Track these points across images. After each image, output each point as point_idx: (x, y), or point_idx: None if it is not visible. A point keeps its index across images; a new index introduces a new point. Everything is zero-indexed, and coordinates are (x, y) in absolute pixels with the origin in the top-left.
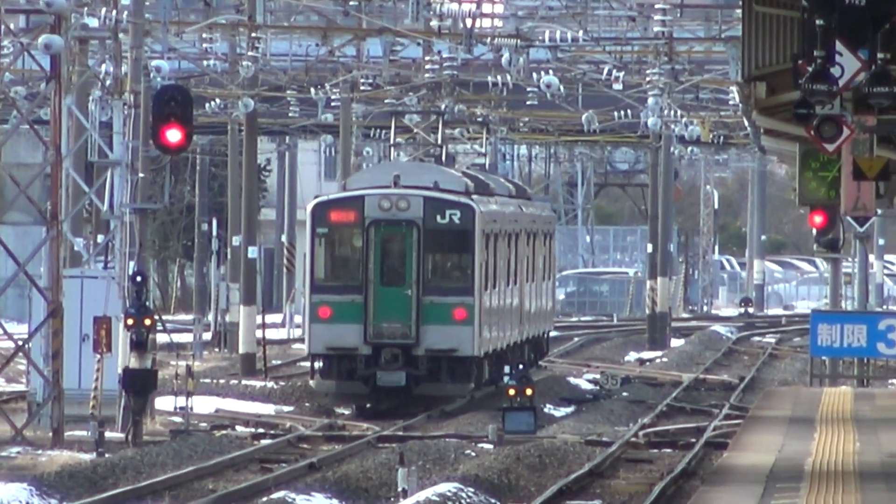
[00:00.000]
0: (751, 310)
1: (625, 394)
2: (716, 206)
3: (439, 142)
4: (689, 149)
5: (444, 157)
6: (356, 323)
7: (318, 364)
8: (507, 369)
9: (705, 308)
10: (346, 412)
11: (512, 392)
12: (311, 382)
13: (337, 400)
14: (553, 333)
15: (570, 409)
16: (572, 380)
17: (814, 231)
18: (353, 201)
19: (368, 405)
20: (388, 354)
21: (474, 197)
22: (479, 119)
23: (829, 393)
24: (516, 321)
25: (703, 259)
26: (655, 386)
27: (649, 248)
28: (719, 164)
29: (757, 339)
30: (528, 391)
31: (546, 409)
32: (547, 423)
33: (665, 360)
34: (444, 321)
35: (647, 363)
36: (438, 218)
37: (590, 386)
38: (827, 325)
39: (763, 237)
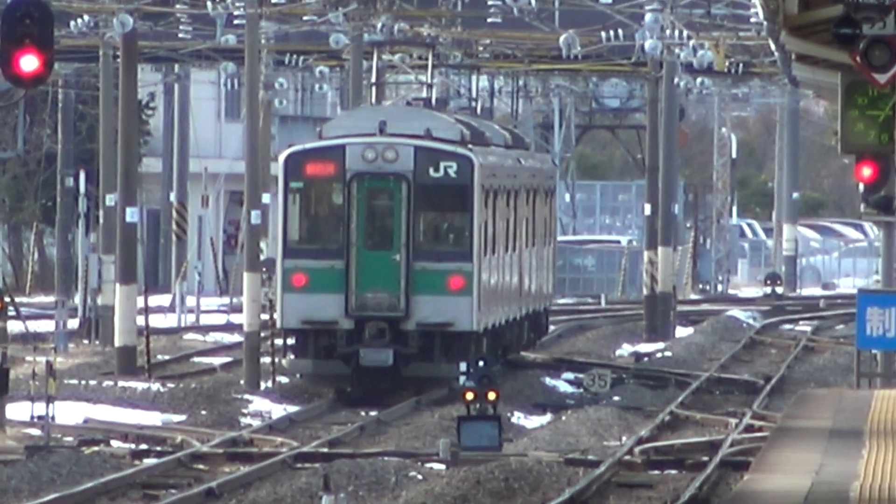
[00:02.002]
0: (779, 289)
1: (616, 398)
2: (733, 155)
3: (429, 80)
4: (699, 80)
5: (433, 101)
6: (336, 292)
7: (290, 341)
8: (462, 367)
9: (720, 287)
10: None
11: (470, 396)
12: (283, 362)
13: (313, 382)
14: None
15: (545, 418)
16: (548, 380)
17: (861, 187)
18: (333, 151)
19: (349, 388)
20: (372, 329)
21: (471, 147)
22: (427, 41)
23: (881, 397)
24: (516, 293)
25: (717, 224)
26: (655, 388)
27: (647, 209)
28: (738, 101)
29: (787, 327)
30: (491, 395)
31: (514, 419)
32: (516, 437)
33: (668, 354)
34: (437, 291)
35: (645, 358)
36: (431, 171)
37: (571, 388)
38: (878, 308)
39: (795, 195)
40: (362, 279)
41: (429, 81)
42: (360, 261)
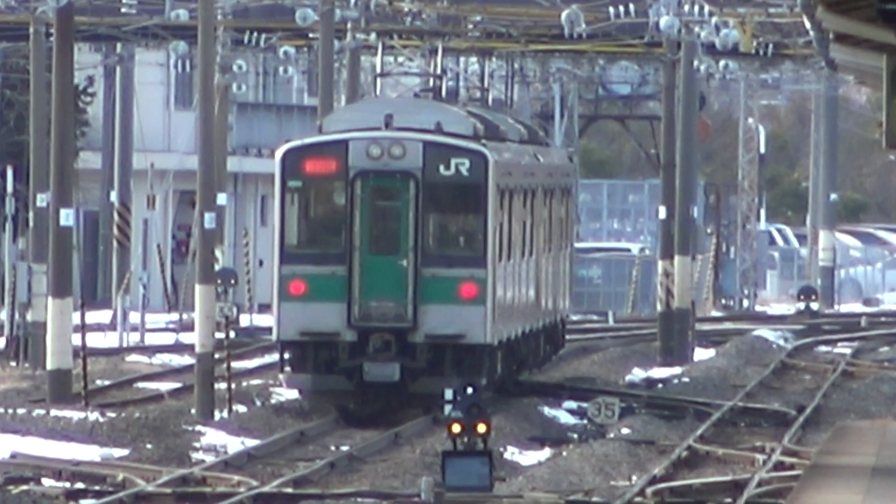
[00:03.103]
0: (814, 305)
1: (625, 430)
2: (762, 150)
3: (438, 70)
4: (722, 63)
5: (443, 92)
6: (338, 301)
7: (288, 354)
8: (448, 394)
9: (746, 303)
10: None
11: (456, 428)
12: (281, 377)
13: (313, 400)
14: None
15: (543, 454)
16: (547, 409)
17: None
18: (334, 147)
19: (352, 406)
20: (377, 341)
21: (485, 143)
22: (415, 21)
23: None
24: (532, 303)
25: (742, 229)
26: (671, 419)
27: (662, 212)
28: (767, 88)
29: (824, 349)
30: (481, 426)
31: (508, 454)
32: (509, 475)
33: (686, 380)
34: (448, 300)
35: (660, 385)
36: (442, 168)
37: (573, 419)
38: None
39: (833, 196)
40: (366, 286)
41: (438, 71)
42: (364, 266)
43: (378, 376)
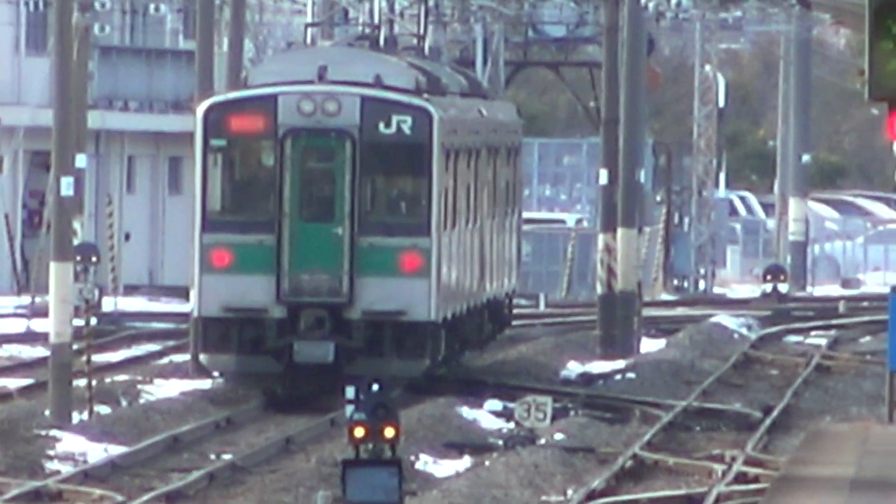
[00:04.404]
0: (783, 287)
1: (559, 436)
2: (721, 103)
3: (376, 19)
4: (674, 0)
5: (382, 40)
6: (265, 273)
7: (210, 332)
8: (349, 392)
9: (702, 284)
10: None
11: (360, 433)
12: (202, 358)
13: (237, 382)
14: None
15: (462, 463)
16: (466, 410)
17: (895, 147)
18: (262, 102)
19: (281, 390)
20: (309, 318)
21: (429, 98)
22: None
23: None
24: (477, 276)
25: (698, 197)
26: (613, 422)
27: (603, 176)
28: (728, 29)
29: (794, 339)
30: (389, 431)
31: (420, 464)
32: (421, 489)
33: (631, 375)
34: (388, 272)
35: (600, 381)
36: (382, 126)
37: (498, 422)
38: None
39: (806, 158)
40: (297, 257)
41: (376, 19)
42: (295, 235)
43: (310, 357)
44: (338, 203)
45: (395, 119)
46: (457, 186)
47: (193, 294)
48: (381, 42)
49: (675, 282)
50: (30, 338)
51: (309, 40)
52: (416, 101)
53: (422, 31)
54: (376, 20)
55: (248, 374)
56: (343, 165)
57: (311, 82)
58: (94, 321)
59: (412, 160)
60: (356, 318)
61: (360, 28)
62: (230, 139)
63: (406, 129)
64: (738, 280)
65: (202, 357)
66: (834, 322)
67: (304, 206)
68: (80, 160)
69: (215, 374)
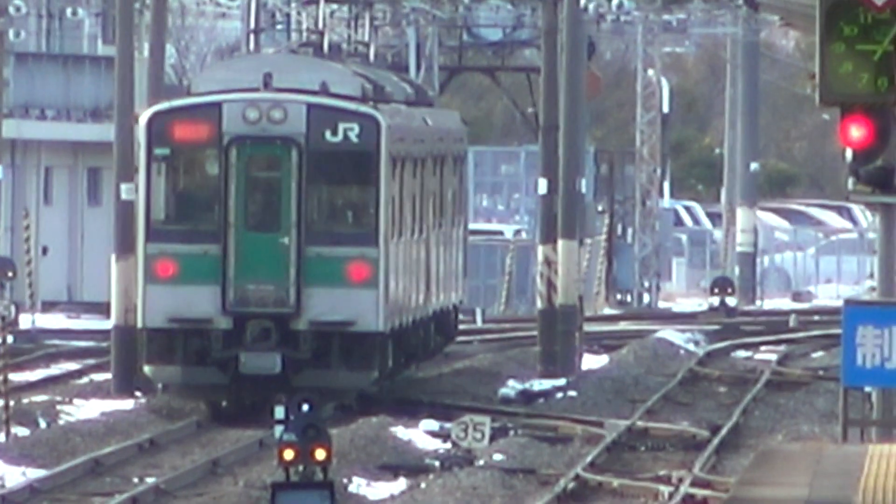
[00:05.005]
0: (731, 301)
1: (498, 456)
2: (665, 109)
3: (319, 25)
4: (616, 1)
5: (325, 48)
6: (210, 284)
7: (155, 343)
8: (278, 412)
9: (647, 298)
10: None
11: (290, 455)
12: (146, 369)
13: (182, 395)
14: None
15: (397, 486)
16: (401, 430)
17: (848, 153)
18: (206, 110)
19: (225, 403)
20: (255, 329)
21: (376, 105)
22: None
23: (877, 455)
24: (423, 286)
25: (642, 207)
26: (554, 442)
27: (542, 185)
28: (672, 31)
29: (743, 354)
30: (320, 452)
31: (353, 486)
32: None
33: (572, 393)
34: (335, 282)
35: (541, 400)
36: (328, 134)
37: (434, 443)
38: (873, 328)
39: (754, 166)
40: (243, 267)
41: (320, 25)
42: (241, 245)
43: (256, 368)
44: (284, 212)
45: (341, 127)
46: (403, 196)
47: (138, 304)
48: (325, 49)
49: (619, 295)
50: None
51: (252, 47)
52: (362, 108)
53: (367, 38)
54: (320, 26)
55: (193, 386)
56: (289, 174)
57: (256, 90)
58: (10, 339)
59: (359, 168)
60: (303, 328)
61: (303, 34)
62: (174, 147)
63: (353, 136)
64: (683, 293)
65: (147, 368)
66: (784, 336)
67: (249, 216)
68: None
69: (159, 386)
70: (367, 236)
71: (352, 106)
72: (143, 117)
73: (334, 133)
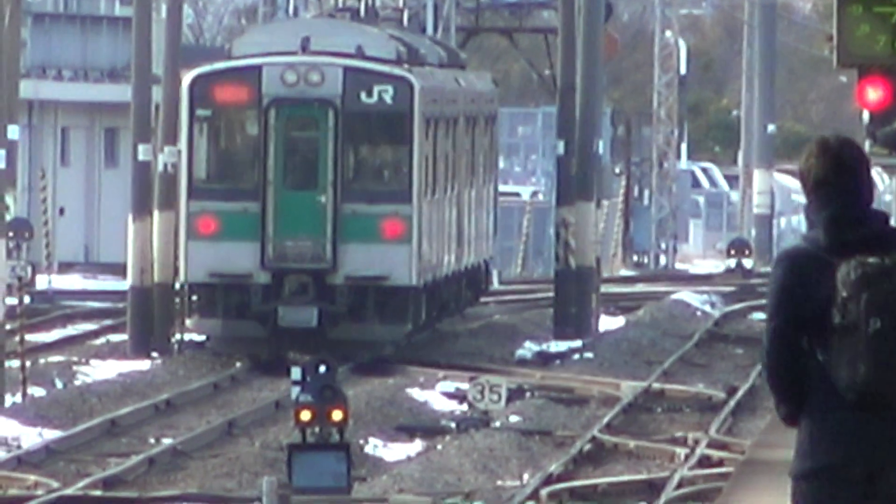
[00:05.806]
0: (748, 262)
1: (515, 418)
2: (682, 71)
3: None
4: None
5: (363, 12)
6: (250, 240)
7: (197, 297)
8: (295, 373)
9: (663, 260)
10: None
11: (306, 416)
12: (188, 322)
13: (223, 346)
14: None
15: (413, 447)
16: (418, 392)
17: (865, 115)
18: (246, 73)
19: (265, 355)
20: (293, 284)
21: (409, 68)
22: None
23: None
24: (456, 242)
25: (659, 168)
26: (571, 404)
27: (559, 147)
28: None
29: (759, 316)
30: (337, 414)
31: (369, 448)
32: (371, 473)
33: (589, 355)
34: (370, 238)
35: (557, 362)
36: (364, 96)
37: (451, 404)
38: None
39: (771, 128)
40: (281, 224)
41: None
42: (279, 203)
43: (294, 322)
44: (321, 171)
45: (376, 89)
46: (436, 155)
47: (181, 260)
48: (362, 13)
49: (635, 257)
50: None
51: (291, 11)
52: (397, 70)
53: (401, 3)
54: None
55: (233, 339)
56: (326, 134)
57: (294, 53)
58: (27, 300)
59: (394, 129)
60: (339, 283)
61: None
62: (215, 109)
63: (388, 98)
64: (700, 255)
65: (189, 321)
66: None
67: (288, 175)
68: (13, 131)
69: (175, 346)
70: (402, 194)
71: (386, 69)
72: (186, 80)
73: (370, 95)
